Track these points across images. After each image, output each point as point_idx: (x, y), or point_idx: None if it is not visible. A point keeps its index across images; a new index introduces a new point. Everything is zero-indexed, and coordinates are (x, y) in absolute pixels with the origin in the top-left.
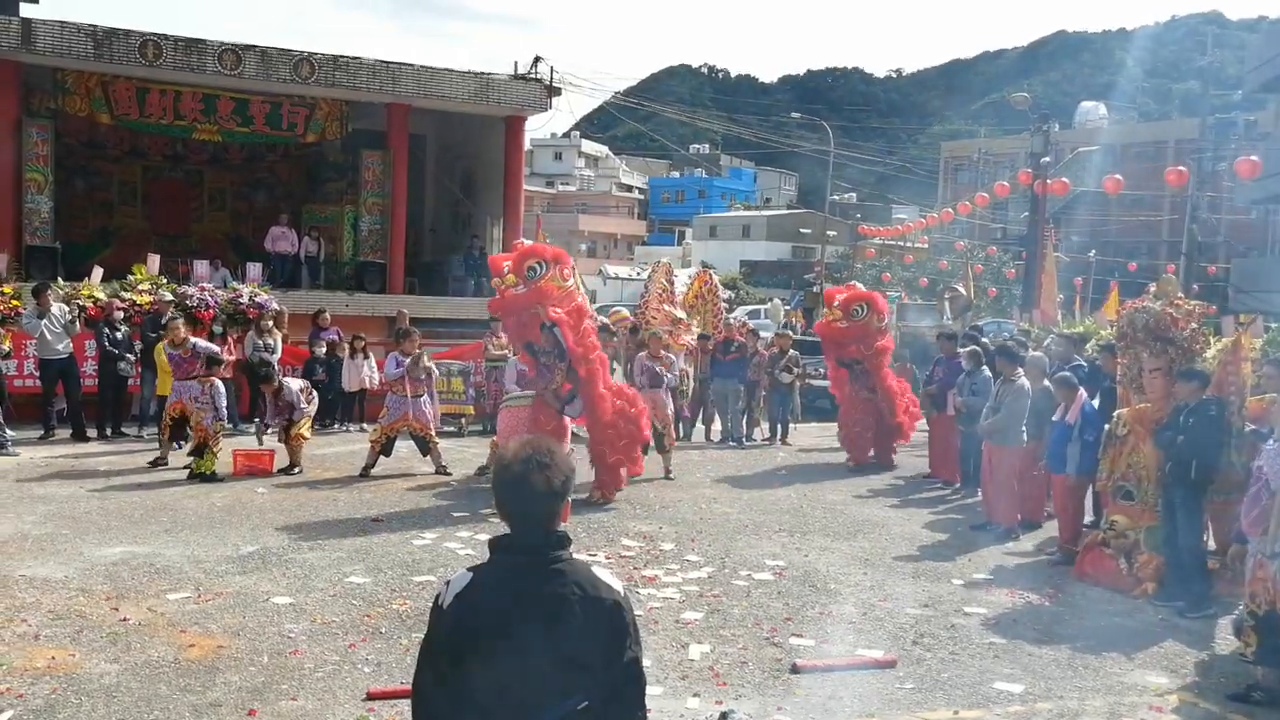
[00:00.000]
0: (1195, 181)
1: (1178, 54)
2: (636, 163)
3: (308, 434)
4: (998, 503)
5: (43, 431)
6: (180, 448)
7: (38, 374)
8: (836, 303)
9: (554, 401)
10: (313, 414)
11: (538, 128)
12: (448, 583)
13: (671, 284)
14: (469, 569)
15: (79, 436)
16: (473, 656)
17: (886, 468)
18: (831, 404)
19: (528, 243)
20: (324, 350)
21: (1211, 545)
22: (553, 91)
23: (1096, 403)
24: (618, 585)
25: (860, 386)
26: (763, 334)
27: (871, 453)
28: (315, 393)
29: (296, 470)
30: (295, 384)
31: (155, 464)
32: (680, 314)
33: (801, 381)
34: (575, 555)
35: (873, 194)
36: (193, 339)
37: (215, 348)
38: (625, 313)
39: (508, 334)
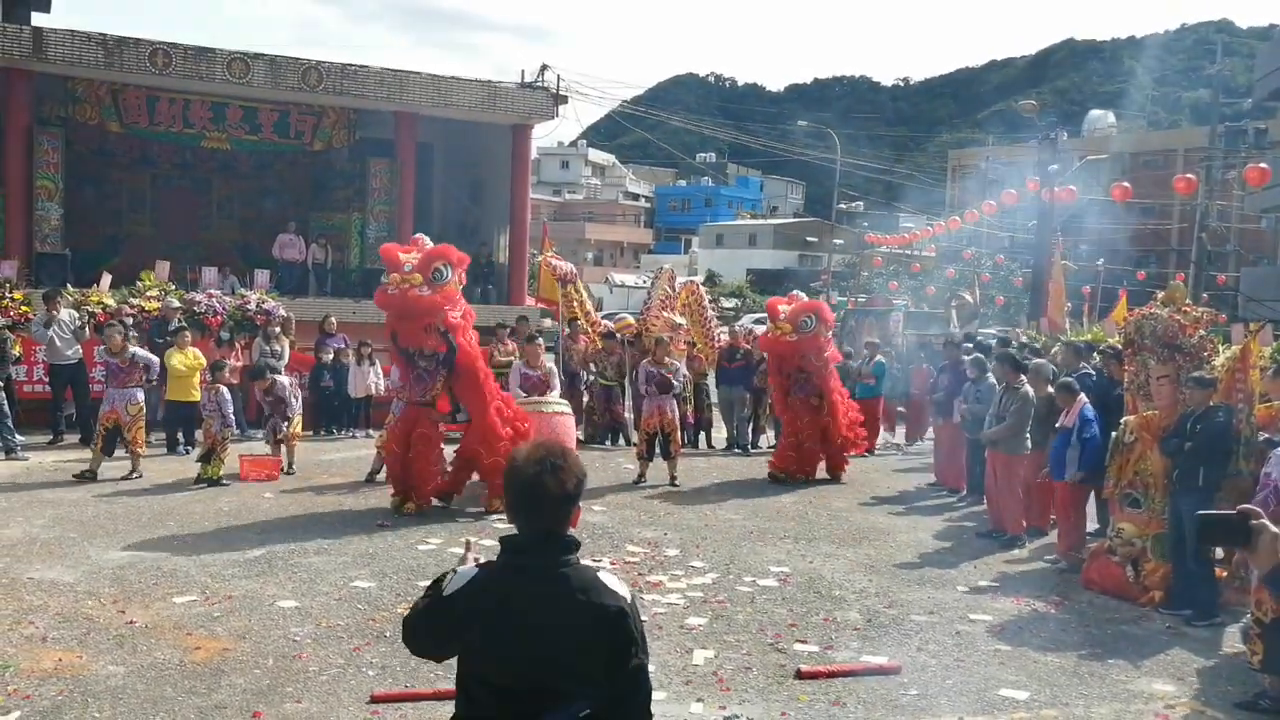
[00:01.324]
0: (1204, 190)
1: (1187, 62)
2: (643, 171)
3: (299, 432)
4: (1003, 510)
5: (51, 436)
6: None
7: (47, 379)
8: (782, 315)
9: (436, 414)
10: (300, 410)
11: (544, 136)
12: (455, 571)
13: (675, 290)
14: (477, 565)
15: (88, 441)
16: (474, 658)
17: (836, 481)
18: None
19: (427, 240)
20: (330, 357)
21: (1219, 554)
22: (559, 100)
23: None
24: (624, 591)
25: (809, 395)
26: None
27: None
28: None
29: (293, 471)
30: (285, 379)
31: (83, 476)
32: (681, 320)
33: None
34: (582, 560)
35: (880, 202)
36: (131, 348)
37: (154, 358)
38: (630, 319)
39: (388, 332)
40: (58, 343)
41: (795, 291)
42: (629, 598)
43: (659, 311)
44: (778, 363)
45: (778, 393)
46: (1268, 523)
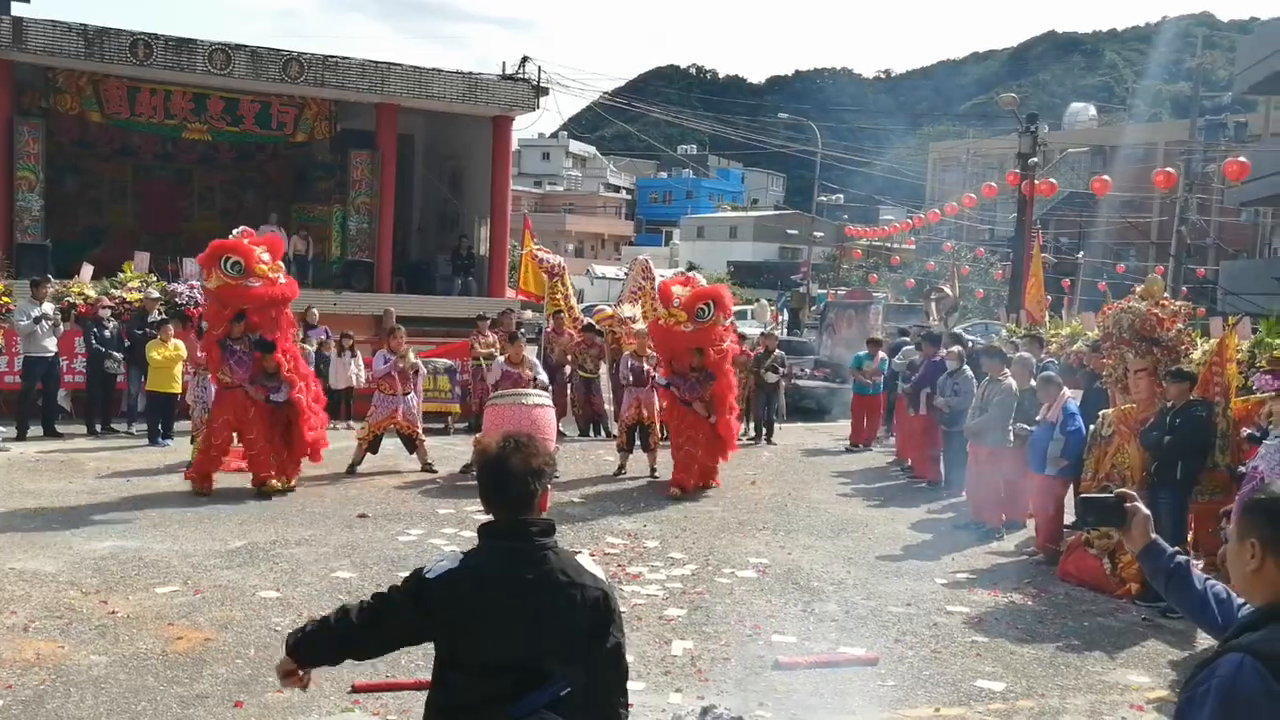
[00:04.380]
0: (1184, 183)
1: (1168, 55)
2: (624, 163)
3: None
4: (982, 502)
5: (16, 433)
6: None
7: (20, 371)
8: (677, 302)
9: (260, 393)
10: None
11: (525, 127)
12: (439, 560)
13: (650, 282)
14: (459, 552)
15: (51, 434)
16: (456, 640)
17: (708, 486)
18: (817, 404)
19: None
20: (312, 348)
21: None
22: (540, 91)
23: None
24: (601, 573)
25: (699, 396)
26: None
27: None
28: None
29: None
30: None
31: None
32: (631, 312)
33: (787, 381)
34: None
35: (860, 195)
36: None
37: None
38: (608, 311)
39: (224, 328)
40: (39, 334)
41: (692, 274)
42: (606, 579)
43: (619, 305)
44: (669, 355)
45: (667, 392)
46: (1140, 505)
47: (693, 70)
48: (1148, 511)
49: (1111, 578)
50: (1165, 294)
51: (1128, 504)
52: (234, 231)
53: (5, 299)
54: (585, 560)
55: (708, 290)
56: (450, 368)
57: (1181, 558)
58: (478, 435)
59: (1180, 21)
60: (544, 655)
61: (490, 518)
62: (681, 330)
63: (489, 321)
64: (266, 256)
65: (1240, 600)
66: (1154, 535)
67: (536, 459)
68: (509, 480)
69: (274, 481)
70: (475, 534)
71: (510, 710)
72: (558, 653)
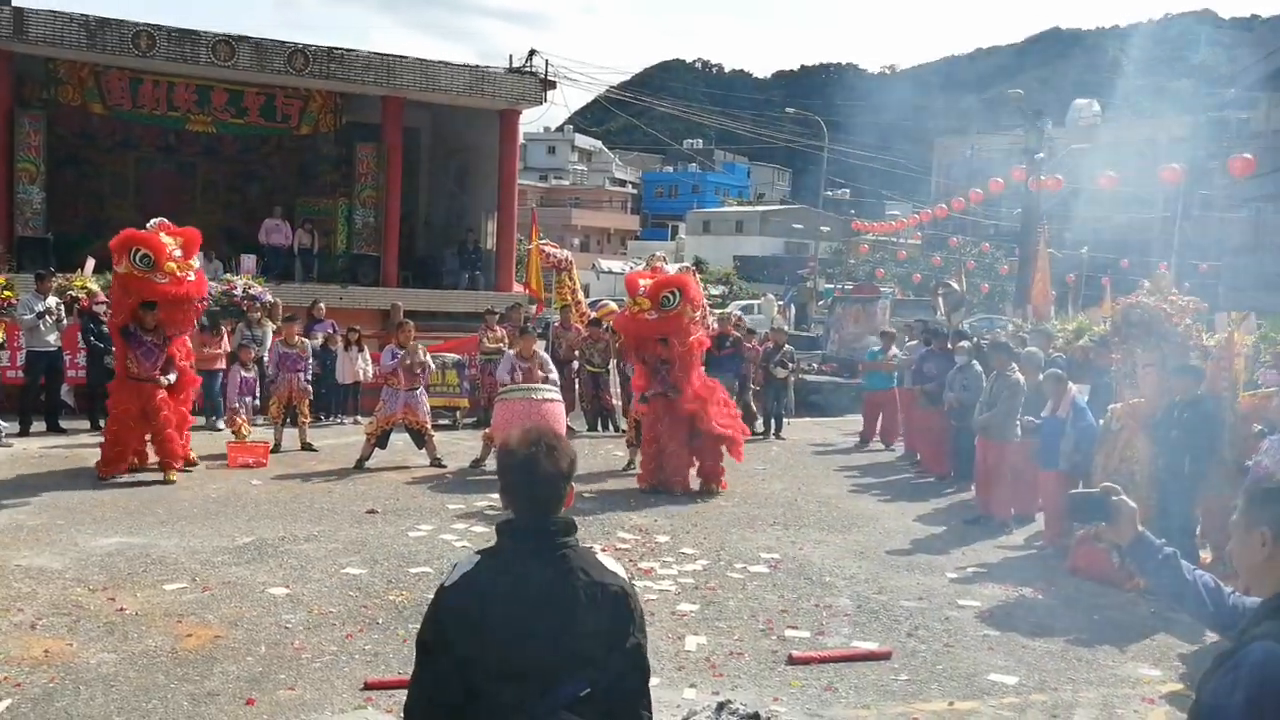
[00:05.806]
0: (1187, 179)
1: (1171, 52)
2: (630, 157)
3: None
4: (992, 497)
5: (19, 428)
6: None
7: (23, 365)
8: (642, 290)
9: (164, 379)
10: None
11: (531, 121)
12: (454, 565)
13: None
14: (477, 552)
15: (54, 429)
16: (475, 640)
17: (711, 494)
18: (826, 399)
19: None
20: (319, 342)
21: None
22: (548, 85)
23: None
24: (621, 571)
25: (667, 388)
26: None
27: (696, 480)
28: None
29: None
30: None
31: None
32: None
33: (796, 376)
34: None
35: (866, 189)
36: None
37: None
38: (613, 306)
39: (127, 317)
40: (42, 329)
41: (660, 264)
42: (627, 578)
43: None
44: (636, 345)
45: (636, 384)
46: (1125, 499)
47: (699, 65)
48: (1134, 505)
49: (1121, 572)
50: (1173, 289)
51: (1114, 498)
52: (150, 223)
53: (8, 293)
54: (604, 558)
55: (672, 278)
56: (459, 362)
57: (1169, 549)
58: (486, 430)
59: (1183, 19)
60: (564, 655)
61: (508, 514)
62: (646, 318)
63: (497, 316)
64: (179, 253)
65: (1229, 589)
66: (1141, 528)
67: (565, 461)
68: (539, 483)
69: (173, 473)
70: (486, 528)
71: (529, 711)
72: (578, 652)
